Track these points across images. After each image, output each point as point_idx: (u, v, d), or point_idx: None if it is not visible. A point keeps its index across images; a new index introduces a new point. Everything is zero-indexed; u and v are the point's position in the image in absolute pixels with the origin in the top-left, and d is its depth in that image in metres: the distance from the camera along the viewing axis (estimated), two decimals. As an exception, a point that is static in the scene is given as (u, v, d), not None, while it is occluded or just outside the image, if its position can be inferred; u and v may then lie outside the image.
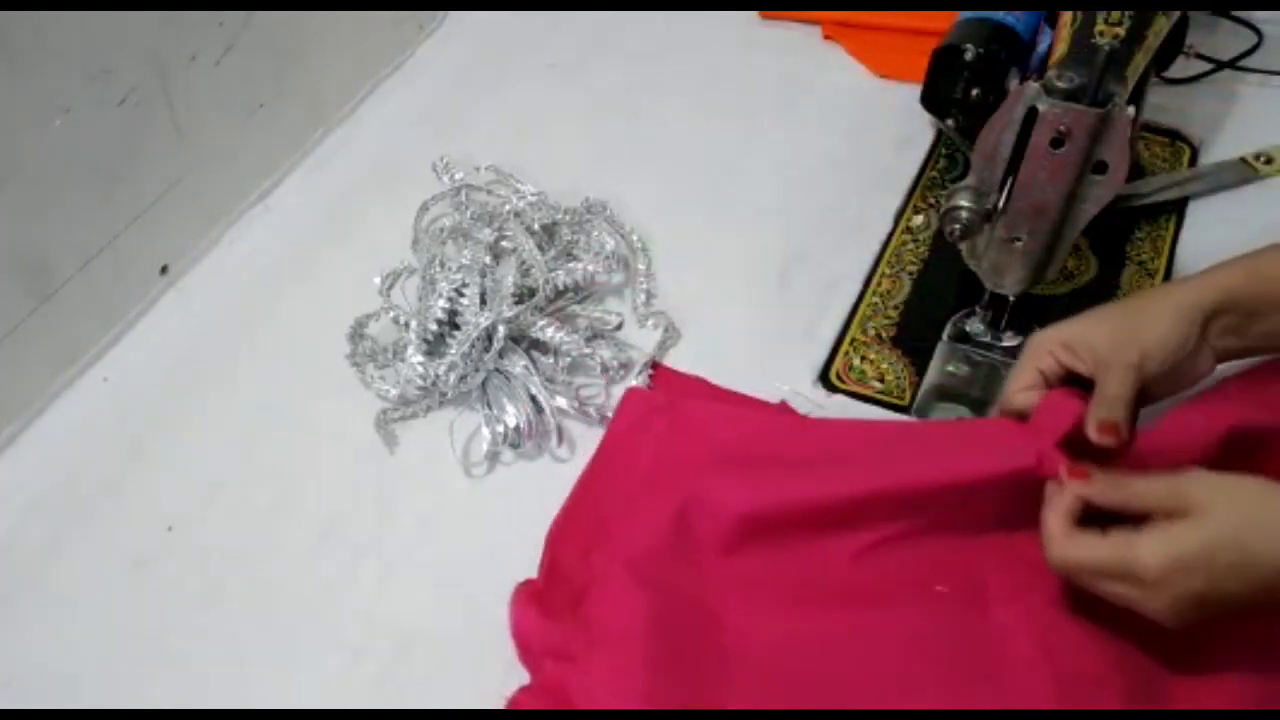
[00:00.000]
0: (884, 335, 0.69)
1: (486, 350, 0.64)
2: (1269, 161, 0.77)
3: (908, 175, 0.78)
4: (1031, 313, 0.66)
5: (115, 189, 0.66)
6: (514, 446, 0.63)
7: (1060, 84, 0.54)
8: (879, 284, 0.71)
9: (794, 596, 0.54)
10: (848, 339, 0.68)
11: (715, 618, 0.54)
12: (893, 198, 0.77)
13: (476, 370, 0.64)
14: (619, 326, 0.69)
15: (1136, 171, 0.76)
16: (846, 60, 0.88)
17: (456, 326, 0.66)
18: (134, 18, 0.64)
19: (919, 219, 0.76)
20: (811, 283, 0.72)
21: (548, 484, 0.61)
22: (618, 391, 0.66)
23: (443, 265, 0.69)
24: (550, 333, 0.65)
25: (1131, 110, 0.55)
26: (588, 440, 0.63)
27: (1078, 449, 0.51)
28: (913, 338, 0.68)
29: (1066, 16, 0.61)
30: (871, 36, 0.88)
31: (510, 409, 0.63)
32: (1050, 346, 0.53)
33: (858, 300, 0.70)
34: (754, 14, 0.92)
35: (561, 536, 0.58)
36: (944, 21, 0.75)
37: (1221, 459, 0.52)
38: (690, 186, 0.79)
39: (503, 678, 0.53)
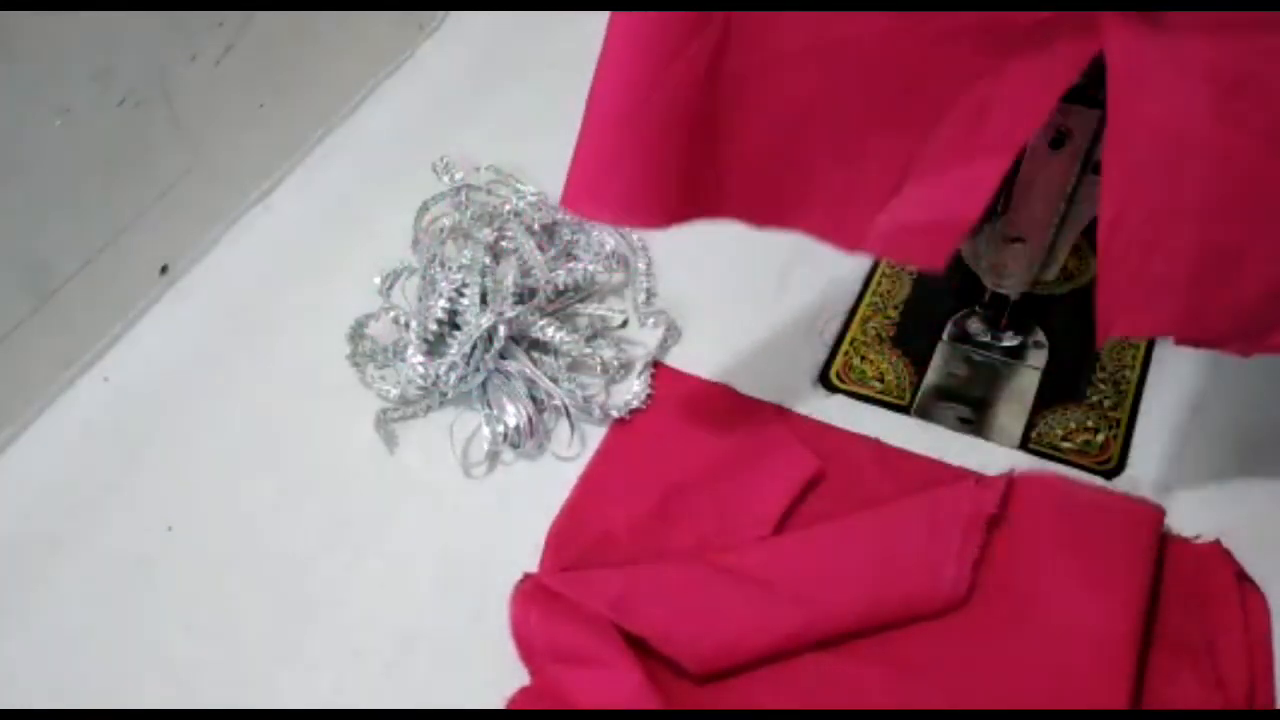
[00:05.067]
0: (884, 335, 0.69)
1: (487, 350, 0.64)
2: (1269, 161, 0.77)
3: (908, 175, 0.78)
4: (1031, 313, 0.67)
5: (115, 189, 0.66)
6: (514, 446, 0.63)
7: (1060, 84, 0.54)
8: (879, 284, 0.71)
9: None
10: (848, 339, 0.68)
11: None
12: (893, 198, 0.77)
13: (477, 370, 0.64)
14: (624, 324, 0.69)
15: (1136, 171, 0.76)
16: (846, 60, 0.88)
17: (457, 326, 0.66)
18: (134, 18, 0.64)
19: (919, 219, 0.75)
20: (811, 283, 0.72)
21: (548, 484, 0.61)
22: (618, 391, 0.66)
23: (443, 265, 0.69)
24: (551, 332, 0.65)
25: (1132, 110, 0.55)
26: (588, 440, 0.63)
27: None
28: (913, 338, 0.68)
29: (1067, 16, 0.61)
30: (871, 36, 0.88)
31: (510, 409, 0.63)
32: None
33: (858, 300, 0.70)
34: (754, 14, 0.92)
35: (564, 535, 0.58)
36: (944, 21, 0.74)
37: None
38: (690, 186, 0.79)
39: (503, 678, 0.53)
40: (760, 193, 0.50)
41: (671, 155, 0.48)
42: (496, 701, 0.53)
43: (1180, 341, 0.48)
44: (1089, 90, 0.54)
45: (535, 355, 0.66)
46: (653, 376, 0.66)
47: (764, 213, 0.51)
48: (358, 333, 0.68)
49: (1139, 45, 0.41)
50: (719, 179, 0.50)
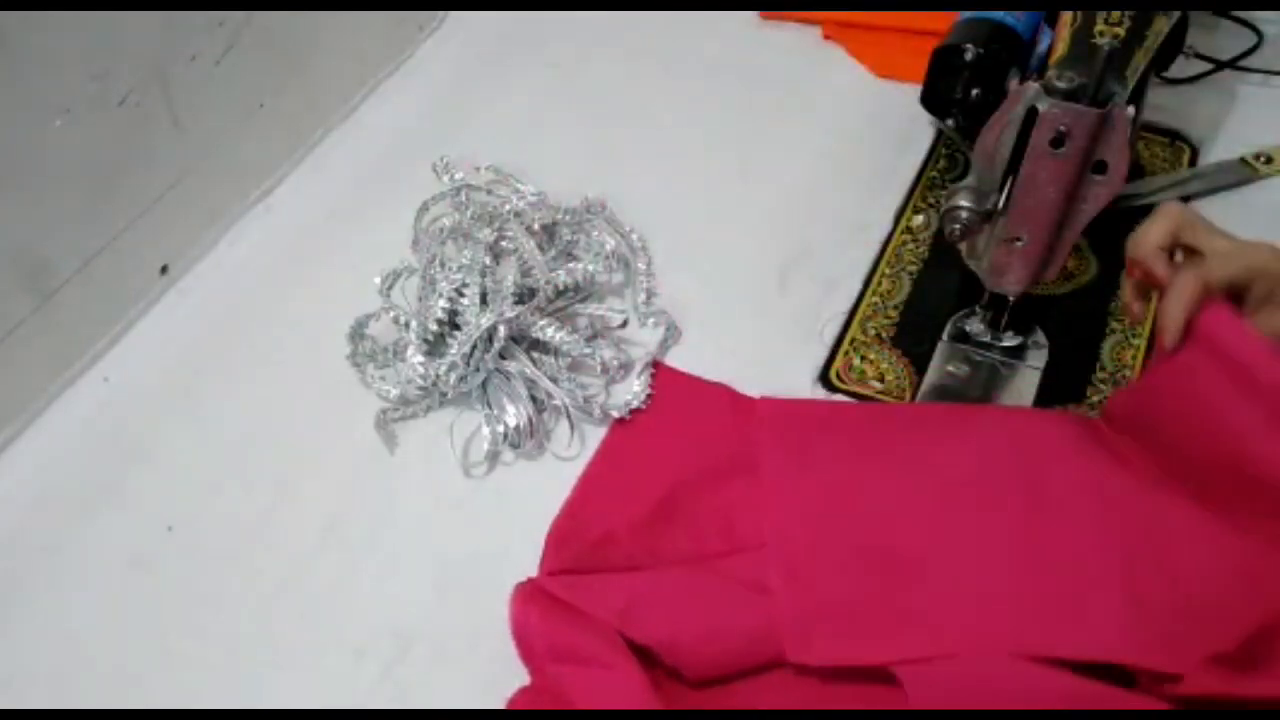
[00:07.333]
0: (884, 335, 0.69)
1: (487, 350, 0.64)
2: (1269, 161, 0.77)
3: (908, 175, 0.78)
4: (1031, 313, 0.67)
5: (115, 189, 0.66)
6: (514, 446, 0.63)
7: (1060, 84, 0.54)
8: (879, 284, 0.71)
9: None
10: (848, 339, 0.68)
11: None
12: (893, 198, 0.77)
13: (477, 370, 0.64)
14: (624, 324, 0.69)
15: (1136, 171, 0.76)
16: (846, 60, 0.88)
17: (457, 326, 0.66)
18: (134, 18, 0.64)
19: (919, 219, 0.76)
20: (811, 283, 0.72)
21: (548, 484, 0.61)
22: (618, 391, 0.66)
23: (443, 265, 0.69)
24: (550, 332, 0.65)
25: (1131, 110, 0.55)
26: (588, 440, 0.63)
27: None
28: (913, 338, 0.68)
29: (1066, 16, 0.61)
30: (871, 36, 0.88)
31: (510, 409, 0.63)
32: (1189, 218, 0.55)
33: (858, 300, 0.70)
34: (754, 14, 0.92)
35: (564, 535, 0.58)
36: (944, 21, 0.75)
37: None
38: (690, 186, 0.79)
39: (503, 678, 0.53)
40: None
41: None
42: (496, 701, 0.53)
43: None
44: (1093, 92, 0.54)
45: (535, 355, 0.66)
46: (653, 376, 0.66)
47: None
48: (358, 333, 0.68)
49: None
50: None
